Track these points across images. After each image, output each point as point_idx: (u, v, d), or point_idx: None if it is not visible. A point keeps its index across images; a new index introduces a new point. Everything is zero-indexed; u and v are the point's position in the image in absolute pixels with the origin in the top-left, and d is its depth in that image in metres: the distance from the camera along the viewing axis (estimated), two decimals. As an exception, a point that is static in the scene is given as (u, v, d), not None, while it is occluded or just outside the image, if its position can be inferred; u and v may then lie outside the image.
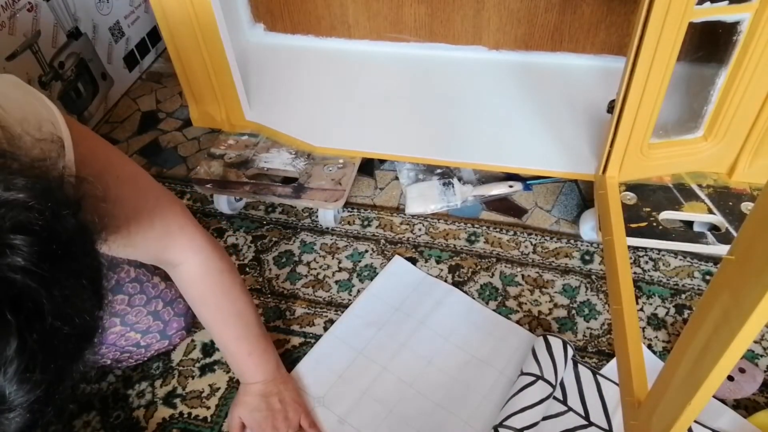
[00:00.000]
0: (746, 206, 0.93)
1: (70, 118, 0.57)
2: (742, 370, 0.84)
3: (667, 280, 0.97)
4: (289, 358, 0.92)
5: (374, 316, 0.95)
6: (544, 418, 0.81)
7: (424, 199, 1.10)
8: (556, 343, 0.85)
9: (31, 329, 0.38)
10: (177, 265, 0.77)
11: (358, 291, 0.99)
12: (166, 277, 0.89)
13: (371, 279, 1.01)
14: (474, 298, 0.97)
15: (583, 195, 1.12)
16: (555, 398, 0.84)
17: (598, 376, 0.86)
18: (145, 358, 0.91)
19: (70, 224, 0.42)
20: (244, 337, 0.82)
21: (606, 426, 0.82)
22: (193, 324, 0.95)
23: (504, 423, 0.78)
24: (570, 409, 0.83)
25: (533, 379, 0.81)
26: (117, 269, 0.84)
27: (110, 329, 0.84)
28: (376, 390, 0.87)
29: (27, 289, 0.38)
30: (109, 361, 0.88)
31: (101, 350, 0.85)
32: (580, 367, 0.87)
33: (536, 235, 1.05)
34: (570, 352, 0.86)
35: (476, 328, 0.93)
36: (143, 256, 0.75)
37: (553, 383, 0.82)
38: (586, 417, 0.82)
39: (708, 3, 0.74)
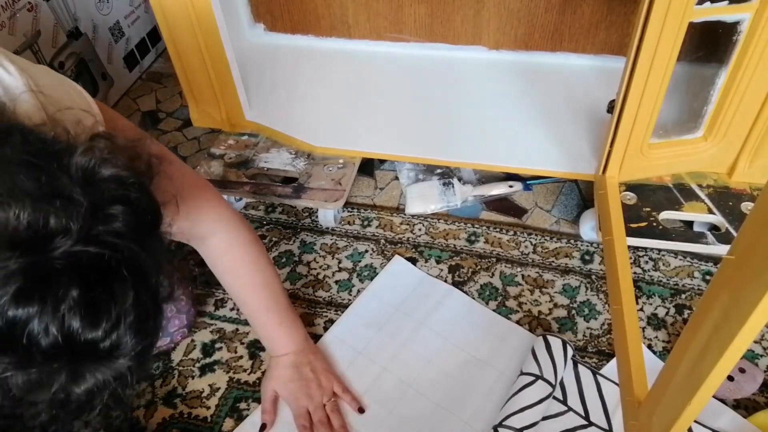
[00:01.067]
0: (746, 206, 0.93)
1: (99, 101, 0.62)
2: (742, 370, 0.84)
3: (667, 280, 0.97)
4: (289, 358, 0.92)
5: (374, 316, 0.95)
6: (544, 418, 0.81)
7: (424, 199, 1.10)
8: (555, 343, 0.85)
9: (141, 285, 0.44)
10: (206, 238, 0.79)
11: (358, 291, 0.99)
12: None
13: (371, 279, 1.01)
14: (474, 298, 0.97)
15: (583, 195, 1.12)
16: (555, 398, 0.84)
17: (598, 376, 0.86)
18: None
19: (154, 197, 0.49)
20: (274, 308, 0.84)
21: (606, 426, 0.81)
22: (194, 323, 0.95)
23: (503, 423, 0.78)
24: (570, 409, 0.83)
25: (533, 378, 0.81)
26: None
27: None
28: (376, 390, 0.87)
29: (132, 253, 0.43)
30: None
31: None
32: (580, 367, 0.87)
33: (536, 235, 1.05)
34: (570, 351, 0.86)
35: (476, 328, 0.93)
36: (173, 232, 0.78)
37: (553, 383, 0.82)
38: (586, 417, 0.82)
39: (708, 3, 0.74)
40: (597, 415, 0.83)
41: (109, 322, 0.42)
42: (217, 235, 0.79)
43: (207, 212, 0.77)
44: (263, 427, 0.84)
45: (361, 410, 0.84)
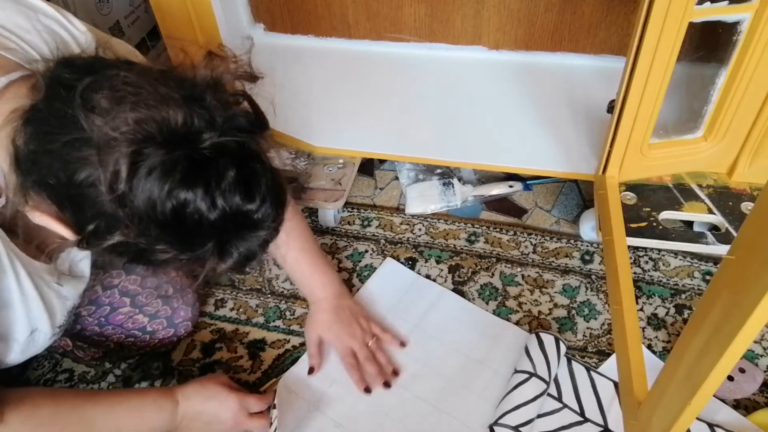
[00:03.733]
0: (746, 206, 0.93)
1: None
2: (742, 370, 0.84)
3: (667, 280, 0.97)
4: (289, 359, 0.92)
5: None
6: (540, 415, 0.81)
7: (424, 199, 1.10)
8: (548, 339, 0.85)
9: (272, 170, 0.53)
10: None
11: (358, 291, 0.99)
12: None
13: (371, 279, 1.01)
14: (474, 299, 0.97)
15: (583, 195, 1.12)
16: (550, 395, 0.84)
17: (592, 373, 0.86)
18: (149, 347, 0.90)
19: (258, 106, 0.58)
20: (308, 250, 0.90)
21: (601, 422, 0.82)
22: (197, 320, 0.94)
23: (499, 421, 0.78)
24: (565, 405, 0.83)
25: (527, 376, 0.81)
26: None
27: (119, 309, 0.85)
28: (372, 394, 0.87)
29: (257, 146, 0.53)
30: (112, 345, 0.88)
31: (107, 331, 0.86)
32: (574, 363, 0.87)
33: (536, 235, 1.05)
34: (563, 348, 0.86)
35: (470, 329, 0.93)
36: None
37: (547, 380, 0.82)
38: (581, 413, 0.83)
39: (708, 3, 0.74)
40: (592, 411, 0.83)
41: (260, 195, 0.51)
42: None
43: None
44: (311, 370, 0.88)
45: (403, 344, 0.91)
